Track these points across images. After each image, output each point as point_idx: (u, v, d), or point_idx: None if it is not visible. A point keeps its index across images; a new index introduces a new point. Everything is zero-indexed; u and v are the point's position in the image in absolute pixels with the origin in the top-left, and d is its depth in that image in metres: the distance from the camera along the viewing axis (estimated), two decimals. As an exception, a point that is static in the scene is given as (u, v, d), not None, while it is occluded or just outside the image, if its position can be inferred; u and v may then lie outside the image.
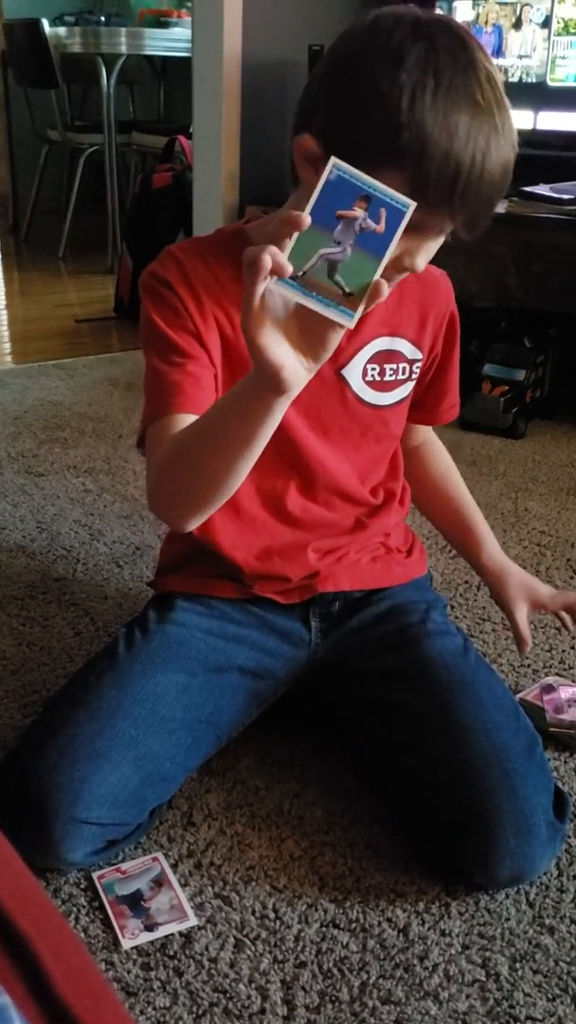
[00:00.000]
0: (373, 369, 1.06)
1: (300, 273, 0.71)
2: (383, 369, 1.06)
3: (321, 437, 1.06)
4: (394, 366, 1.07)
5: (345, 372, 1.04)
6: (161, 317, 0.97)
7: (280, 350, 0.73)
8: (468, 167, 0.82)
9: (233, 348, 0.98)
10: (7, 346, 2.95)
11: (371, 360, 1.05)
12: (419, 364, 1.10)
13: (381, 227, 0.71)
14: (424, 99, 0.80)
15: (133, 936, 0.89)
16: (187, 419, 0.91)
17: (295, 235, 0.70)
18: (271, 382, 0.74)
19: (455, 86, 0.80)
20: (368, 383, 1.06)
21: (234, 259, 0.99)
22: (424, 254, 0.89)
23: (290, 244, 0.70)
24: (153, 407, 0.95)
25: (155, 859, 0.97)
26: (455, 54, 0.82)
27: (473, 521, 1.24)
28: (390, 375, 1.07)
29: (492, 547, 1.21)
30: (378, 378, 1.07)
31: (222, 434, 0.83)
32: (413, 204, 0.71)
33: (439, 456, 1.28)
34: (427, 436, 1.27)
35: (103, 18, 4.33)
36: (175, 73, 4.61)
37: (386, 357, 1.06)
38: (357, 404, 1.06)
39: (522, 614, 1.17)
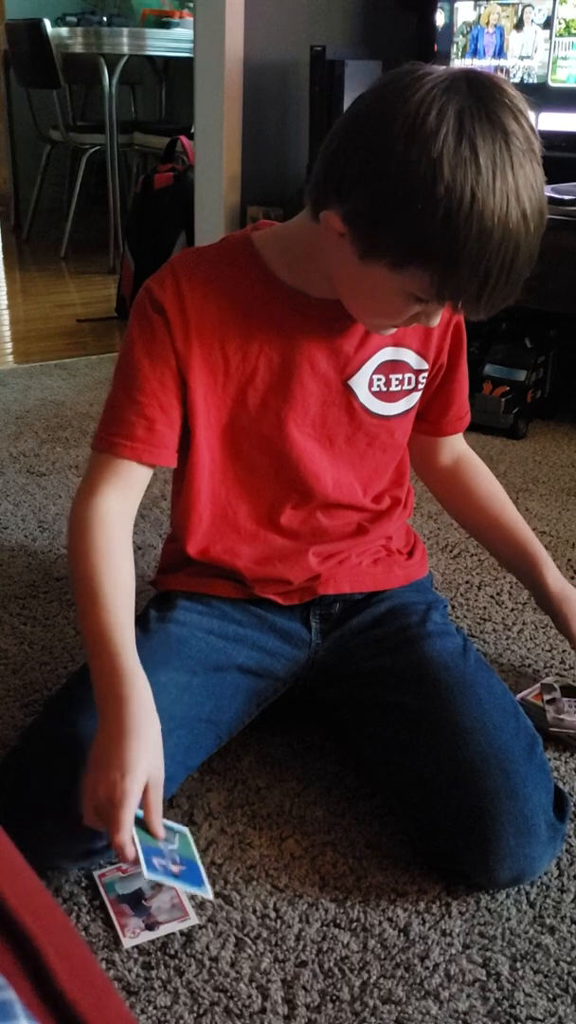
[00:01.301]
0: (379, 380, 1.05)
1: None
2: (389, 379, 1.06)
3: (327, 447, 1.06)
4: (400, 376, 1.07)
5: (352, 383, 1.04)
6: (142, 343, 0.98)
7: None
8: (496, 276, 0.82)
9: (231, 378, 0.99)
10: (9, 346, 2.95)
11: (377, 371, 1.05)
12: (425, 374, 1.09)
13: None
14: (459, 215, 0.78)
15: (134, 935, 0.89)
16: (128, 467, 0.98)
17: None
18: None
19: (492, 192, 0.79)
20: (374, 393, 1.06)
21: (241, 277, 0.99)
22: (439, 313, 0.92)
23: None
24: (101, 436, 0.99)
25: (156, 858, 0.97)
26: (498, 158, 0.79)
27: (529, 542, 1.19)
28: (396, 385, 1.07)
29: (553, 569, 1.18)
30: (384, 388, 1.06)
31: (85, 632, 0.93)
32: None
33: (480, 474, 1.23)
34: (461, 452, 1.23)
35: (105, 18, 4.33)
36: (177, 73, 4.61)
37: (391, 367, 1.06)
38: (364, 414, 1.06)
39: None
